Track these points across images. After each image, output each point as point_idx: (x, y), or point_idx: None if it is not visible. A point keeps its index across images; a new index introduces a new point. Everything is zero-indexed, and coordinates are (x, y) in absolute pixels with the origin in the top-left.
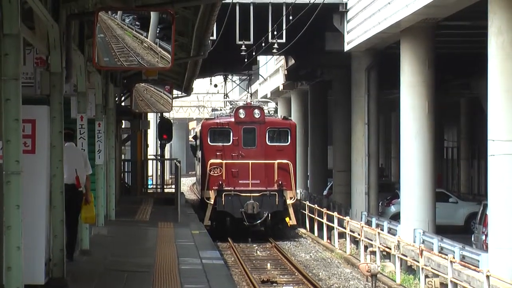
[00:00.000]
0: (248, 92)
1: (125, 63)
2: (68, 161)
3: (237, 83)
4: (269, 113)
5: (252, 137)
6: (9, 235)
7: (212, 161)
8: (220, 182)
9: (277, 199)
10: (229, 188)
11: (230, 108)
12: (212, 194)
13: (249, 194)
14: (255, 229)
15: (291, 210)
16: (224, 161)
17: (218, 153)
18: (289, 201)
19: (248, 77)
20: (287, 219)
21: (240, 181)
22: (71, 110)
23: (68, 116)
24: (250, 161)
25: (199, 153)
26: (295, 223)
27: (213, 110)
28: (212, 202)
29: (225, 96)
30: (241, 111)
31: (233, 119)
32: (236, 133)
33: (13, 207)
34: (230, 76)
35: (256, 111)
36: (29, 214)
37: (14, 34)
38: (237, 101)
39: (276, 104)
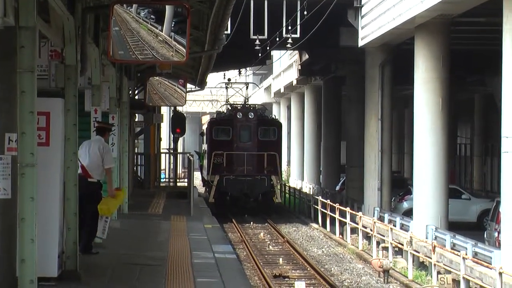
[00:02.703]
0: (246, 98)
1: (140, 57)
2: (83, 153)
3: (236, 86)
4: (261, 114)
5: (247, 134)
6: (23, 227)
7: (215, 152)
8: (222, 169)
9: (266, 182)
10: (228, 173)
11: (231, 109)
12: (215, 178)
13: (244, 178)
14: (250, 206)
15: (277, 191)
16: (225, 152)
17: (220, 146)
18: (275, 184)
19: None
20: (274, 198)
21: (237, 168)
22: (85, 103)
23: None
24: (245, 153)
25: (205, 146)
26: (280, 200)
27: (217, 112)
28: (215, 184)
29: (227, 101)
30: (238, 113)
31: (232, 119)
32: (234, 130)
33: (27, 199)
34: (243, 70)
35: (251, 113)
36: (42, 207)
37: (30, 26)
38: (237, 104)
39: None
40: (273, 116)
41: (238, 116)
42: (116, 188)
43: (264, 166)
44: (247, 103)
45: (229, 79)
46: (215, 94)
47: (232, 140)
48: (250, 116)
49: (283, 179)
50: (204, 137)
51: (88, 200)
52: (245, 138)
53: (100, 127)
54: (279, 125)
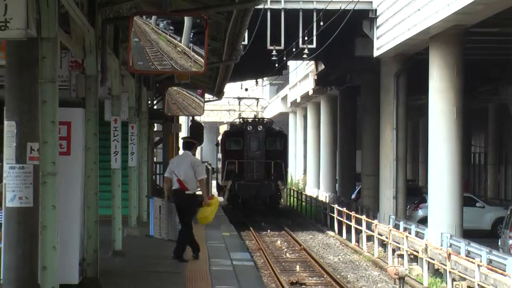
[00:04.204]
0: (256, 111)
1: (159, 67)
2: (177, 167)
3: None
4: (268, 127)
5: (256, 144)
6: (45, 235)
7: (229, 160)
8: (234, 175)
9: (272, 187)
10: (240, 179)
11: (242, 123)
12: (228, 183)
13: (253, 183)
14: (259, 208)
15: (282, 194)
16: (237, 161)
17: (232, 155)
18: (281, 188)
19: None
20: (280, 200)
21: (247, 174)
22: (105, 113)
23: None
24: (254, 161)
25: (219, 155)
26: (284, 202)
27: (231, 125)
28: (228, 188)
29: (240, 115)
30: (249, 126)
31: (243, 132)
32: (245, 140)
33: (49, 208)
34: (260, 81)
35: (259, 126)
36: (64, 215)
37: (52, 37)
38: (248, 118)
39: (306, 108)
40: (279, 128)
41: (248, 129)
42: (210, 196)
43: (271, 172)
44: (256, 116)
45: (246, 89)
46: (233, 104)
47: (243, 150)
48: (259, 129)
49: (300, 187)
50: (219, 147)
51: (186, 211)
52: (254, 148)
53: (188, 141)
54: (284, 136)
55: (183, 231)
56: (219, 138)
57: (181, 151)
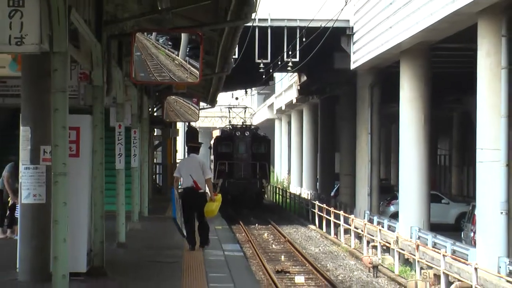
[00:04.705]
0: (244, 119)
1: (158, 78)
2: (186, 169)
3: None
4: (254, 133)
5: (244, 147)
6: (57, 229)
7: (220, 161)
8: (224, 174)
9: (258, 184)
10: (229, 178)
11: (231, 129)
12: (219, 181)
13: (241, 181)
14: (246, 202)
15: (266, 191)
16: (227, 162)
17: (223, 157)
18: (265, 185)
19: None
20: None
21: (236, 174)
22: (110, 119)
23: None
24: (242, 162)
25: (212, 156)
26: (268, 198)
27: (222, 130)
28: (219, 186)
29: (230, 122)
30: (237, 131)
31: (232, 136)
32: (234, 144)
33: (60, 204)
34: (249, 90)
35: (246, 131)
36: (73, 211)
37: (62, 52)
38: (237, 125)
39: (290, 115)
40: (264, 134)
41: (237, 134)
42: (215, 193)
43: (257, 172)
44: (244, 123)
45: (236, 98)
46: (224, 111)
47: (232, 152)
48: (246, 134)
49: (284, 186)
50: (211, 150)
51: (199, 206)
52: (242, 150)
53: (194, 146)
54: (268, 141)
55: (204, 224)
56: (212, 142)
57: (179, 153)
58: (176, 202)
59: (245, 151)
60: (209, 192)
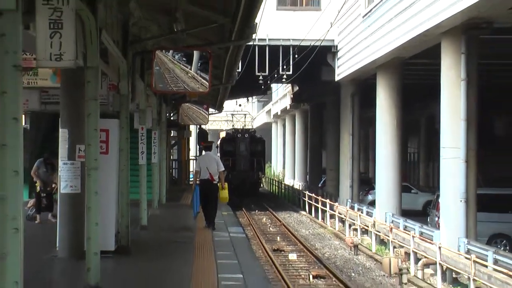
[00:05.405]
0: (244, 123)
1: (174, 88)
2: (204, 164)
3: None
4: (252, 135)
5: (244, 146)
6: (89, 214)
7: (225, 157)
8: (228, 167)
9: (255, 176)
10: (233, 170)
11: (234, 132)
12: (224, 173)
13: (242, 173)
14: (246, 191)
15: (261, 181)
16: (231, 158)
17: (227, 154)
18: (261, 177)
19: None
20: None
21: (238, 167)
22: (134, 123)
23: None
24: (242, 158)
25: (218, 154)
26: (263, 187)
27: (227, 133)
28: (224, 177)
29: (233, 126)
30: (239, 134)
31: (235, 138)
32: (236, 144)
33: (93, 193)
34: (250, 98)
35: (246, 134)
36: (103, 199)
37: (95, 66)
38: (238, 128)
39: (284, 120)
40: (260, 136)
41: (238, 136)
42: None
43: (254, 166)
44: (244, 127)
45: (239, 105)
46: (230, 116)
47: (235, 150)
48: (245, 136)
49: (280, 178)
50: (218, 148)
51: (213, 194)
52: (242, 149)
53: (208, 145)
54: (263, 141)
55: (214, 208)
56: (218, 142)
57: (192, 151)
58: (196, 200)
59: (245, 149)
60: (221, 183)
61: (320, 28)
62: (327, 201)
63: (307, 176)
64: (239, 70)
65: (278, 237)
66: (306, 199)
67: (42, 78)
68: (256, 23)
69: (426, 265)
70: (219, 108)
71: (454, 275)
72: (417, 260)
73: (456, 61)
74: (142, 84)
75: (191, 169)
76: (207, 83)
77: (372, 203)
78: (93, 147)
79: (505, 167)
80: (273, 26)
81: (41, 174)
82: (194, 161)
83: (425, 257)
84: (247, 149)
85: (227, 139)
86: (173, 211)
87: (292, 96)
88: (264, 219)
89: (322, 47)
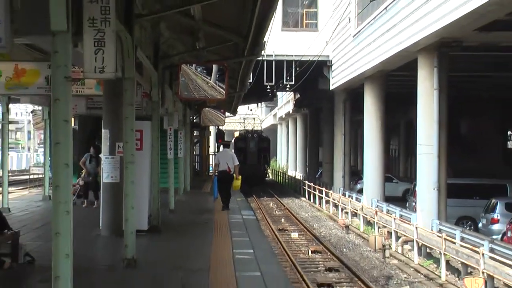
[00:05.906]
0: (253, 125)
1: (197, 95)
2: (223, 159)
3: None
4: (260, 134)
5: (254, 143)
6: (127, 199)
7: (237, 153)
8: (240, 161)
9: (262, 168)
10: (244, 164)
11: (245, 132)
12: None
13: (251, 165)
14: (254, 182)
15: (267, 173)
16: (242, 153)
17: (240, 150)
18: (266, 169)
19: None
20: (267, 176)
21: (248, 161)
22: (163, 124)
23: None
24: (252, 153)
25: (232, 150)
26: (269, 178)
27: (239, 133)
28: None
29: (244, 127)
30: (249, 133)
31: (246, 137)
32: (247, 142)
33: (129, 183)
34: (259, 104)
35: (255, 134)
36: (138, 187)
37: (131, 77)
38: (249, 129)
39: (287, 122)
40: (266, 135)
41: (249, 136)
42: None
43: (261, 160)
44: (253, 129)
45: (251, 109)
46: (242, 119)
47: (246, 147)
48: (254, 135)
49: (284, 170)
50: (232, 145)
51: (229, 183)
52: (252, 146)
53: (226, 143)
54: (269, 140)
55: (229, 195)
56: (232, 140)
57: (211, 148)
58: (215, 186)
59: (254, 146)
60: (236, 174)
61: (317, 45)
62: (323, 189)
63: (307, 169)
64: (250, 80)
65: (283, 219)
66: (306, 187)
67: (88, 87)
68: (265, 42)
69: (405, 242)
70: (234, 112)
71: (428, 250)
72: (397, 238)
73: (430, 74)
74: (170, 92)
75: (210, 162)
76: (224, 91)
77: (361, 191)
78: (130, 144)
79: (469, 160)
80: (278, 44)
81: (88, 165)
82: (213, 156)
83: (404, 235)
84: (256, 146)
85: (240, 138)
86: (196, 198)
87: (294, 102)
88: (271, 204)
89: (319, 61)
